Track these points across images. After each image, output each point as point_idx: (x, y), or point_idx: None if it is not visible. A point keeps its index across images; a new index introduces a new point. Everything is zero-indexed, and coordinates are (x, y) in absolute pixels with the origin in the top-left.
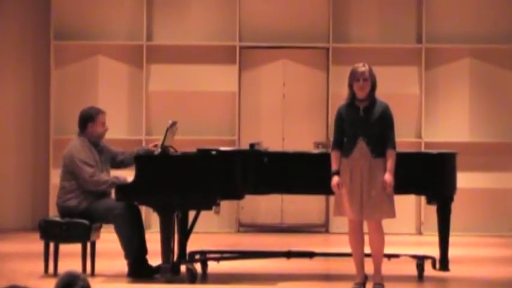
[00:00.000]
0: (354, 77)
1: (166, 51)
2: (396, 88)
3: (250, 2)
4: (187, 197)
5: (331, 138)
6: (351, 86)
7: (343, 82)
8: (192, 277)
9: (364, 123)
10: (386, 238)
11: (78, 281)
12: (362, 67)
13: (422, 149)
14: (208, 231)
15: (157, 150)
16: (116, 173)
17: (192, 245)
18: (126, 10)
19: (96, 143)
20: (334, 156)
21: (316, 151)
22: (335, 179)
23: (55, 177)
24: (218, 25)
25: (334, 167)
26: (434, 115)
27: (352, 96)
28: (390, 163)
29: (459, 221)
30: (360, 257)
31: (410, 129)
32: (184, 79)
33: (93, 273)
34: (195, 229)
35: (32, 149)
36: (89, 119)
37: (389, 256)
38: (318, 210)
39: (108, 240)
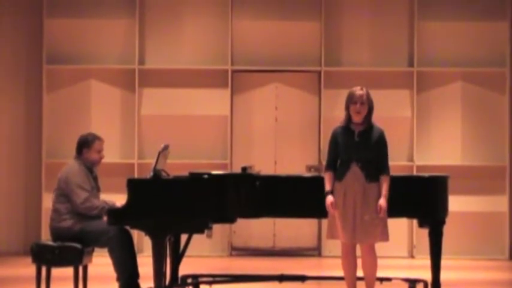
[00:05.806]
0: (351, 99)
1: (158, 75)
2: (388, 111)
3: (243, 25)
4: (179, 220)
5: (323, 162)
6: (347, 108)
7: (335, 105)
8: None
9: (358, 148)
10: (379, 261)
11: None
12: (360, 90)
13: (414, 173)
14: (201, 255)
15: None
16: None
17: (184, 269)
18: (118, 34)
19: (91, 169)
20: (328, 177)
21: (308, 175)
22: (329, 199)
23: (47, 201)
24: (210, 49)
25: (327, 187)
26: (426, 138)
27: (348, 119)
28: (385, 188)
29: (451, 244)
30: (352, 280)
31: (402, 153)
32: (176, 103)
33: None
34: (187, 253)
35: (25, 172)
36: (84, 144)
37: (382, 279)
38: (311, 234)
39: (100, 264)
